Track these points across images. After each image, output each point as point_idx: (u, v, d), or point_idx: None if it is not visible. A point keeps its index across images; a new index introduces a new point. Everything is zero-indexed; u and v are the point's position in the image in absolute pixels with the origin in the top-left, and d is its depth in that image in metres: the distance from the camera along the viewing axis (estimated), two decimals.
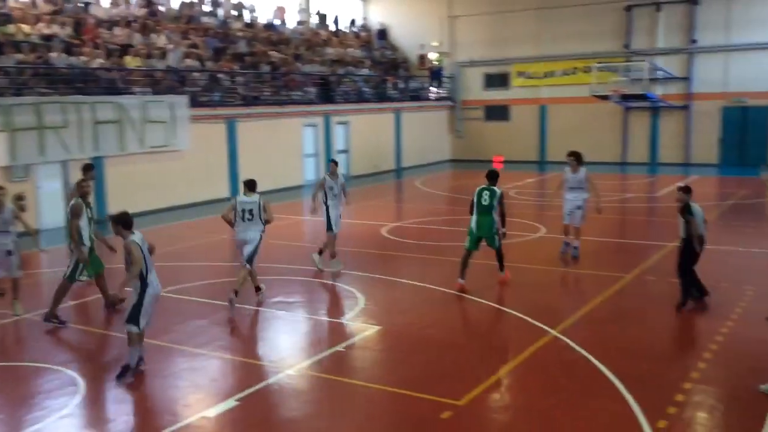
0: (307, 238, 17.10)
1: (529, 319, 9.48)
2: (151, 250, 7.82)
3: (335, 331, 9.56)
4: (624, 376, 7.45)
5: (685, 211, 9.65)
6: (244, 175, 22.50)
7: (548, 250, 14.28)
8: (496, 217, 10.98)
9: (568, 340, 8.64)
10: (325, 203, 12.61)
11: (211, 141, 22.06)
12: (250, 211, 10.29)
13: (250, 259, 10.39)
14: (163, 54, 21.98)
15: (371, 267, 13.08)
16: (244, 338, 9.72)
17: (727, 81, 28.47)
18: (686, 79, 29.28)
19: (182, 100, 20.75)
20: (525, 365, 8.03)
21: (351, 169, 27.86)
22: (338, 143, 27.80)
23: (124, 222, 7.66)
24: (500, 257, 11.36)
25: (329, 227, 12.52)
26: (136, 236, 7.66)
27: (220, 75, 23.60)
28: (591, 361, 7.95)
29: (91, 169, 11.80)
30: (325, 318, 10.32)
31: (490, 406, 7.09)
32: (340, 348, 8.69)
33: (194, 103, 21.53)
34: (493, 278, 11.61)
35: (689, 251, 9.72)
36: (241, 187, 10.83)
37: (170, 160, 20.53)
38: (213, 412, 7.00)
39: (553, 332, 8.94)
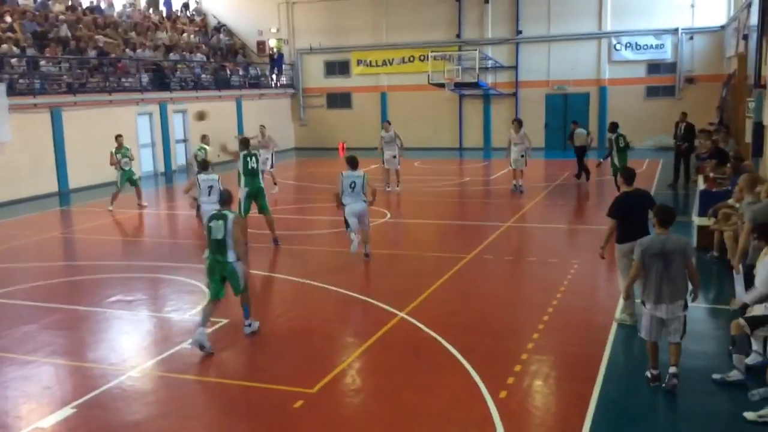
0: (150, 232, 16.37)
1: (378, 303, 9.66)
2: None
3: (180, 328, 9.21)
4: (467, 352, 7.80)
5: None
6: (73, 167, 21.19)
7: (394, 234, 14.62)
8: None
9: (415, 321, 8.90)
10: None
11: (35, 132, 20.41)
12: (352, 184, 11.96)
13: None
14: None
15: None
16: (80, 342, 9.07)
17: (550, 70, 30.54)
18: (514, 67, 31.03)
19: None
20: (375, 348, 8.17)
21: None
22: (176, 132, 26.73)
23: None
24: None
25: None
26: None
27: (41, 61, 21.85)
28: (437, 340, 8.25)
29: None
30: (168, 315, 9.92)
31: (341, 390, 7.15)
32: (185, 345, 8.40)
33: (13, 91, 19.81)
34: (341, 265, 11.72)
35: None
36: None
37: None
38: (48, 422, 6.52)
39: (401, 314, 9.18)
